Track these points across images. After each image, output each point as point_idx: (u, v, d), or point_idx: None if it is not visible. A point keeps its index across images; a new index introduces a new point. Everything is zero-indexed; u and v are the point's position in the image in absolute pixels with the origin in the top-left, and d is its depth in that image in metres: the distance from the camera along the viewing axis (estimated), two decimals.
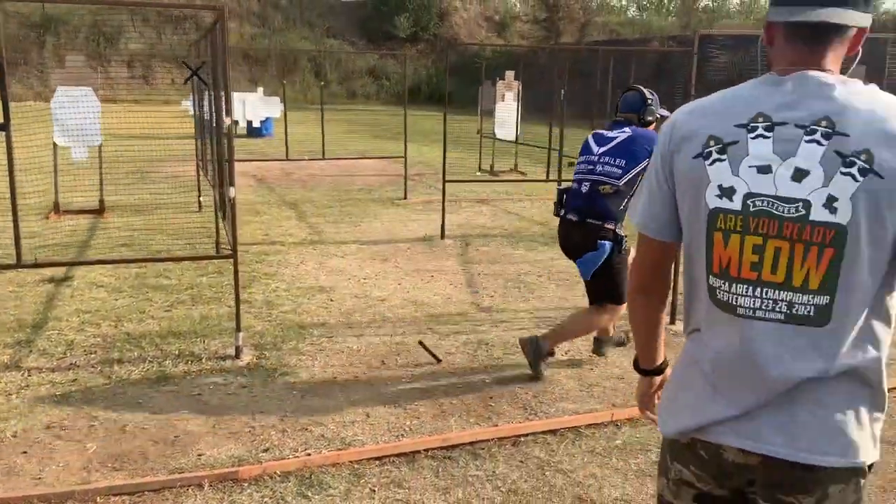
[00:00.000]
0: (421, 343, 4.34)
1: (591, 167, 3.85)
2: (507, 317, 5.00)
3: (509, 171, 12.08)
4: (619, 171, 3.75)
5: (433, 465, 3.03)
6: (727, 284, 1.36)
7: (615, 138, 3.85)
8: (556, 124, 9.37)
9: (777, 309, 1.32)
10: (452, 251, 6.89)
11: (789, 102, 1.33)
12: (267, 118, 16.90)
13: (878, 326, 1.33)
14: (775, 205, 1.31)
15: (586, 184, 3.83)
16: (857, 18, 1.33)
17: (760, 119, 1.34)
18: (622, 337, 4.37)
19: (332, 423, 3.37)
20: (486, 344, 4.45)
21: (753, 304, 1.34)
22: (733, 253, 1.35)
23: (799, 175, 1.29)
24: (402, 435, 3.28)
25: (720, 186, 1.35)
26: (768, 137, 1.32)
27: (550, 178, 8.79)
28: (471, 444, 3.19)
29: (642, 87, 4.01)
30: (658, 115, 3.94)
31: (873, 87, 1.34)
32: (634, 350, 1.71)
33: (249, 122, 16.89)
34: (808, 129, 1.30)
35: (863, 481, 1.36)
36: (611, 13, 42.14)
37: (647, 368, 1.69)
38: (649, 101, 3.91)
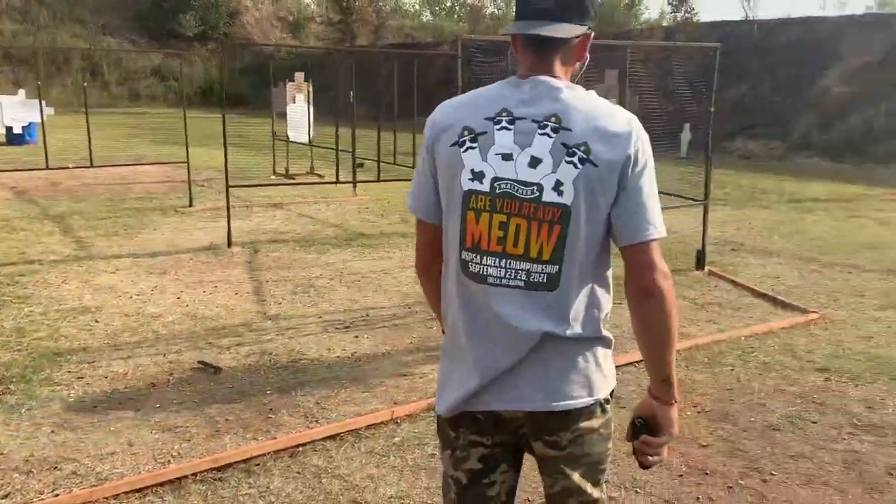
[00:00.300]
0: (200, 362, 4.08)
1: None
2: (294, 323, 4.86)
3: (305, 174, 11.85)
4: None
5: (202, 490, 2.84)
6: (479, 257, 1.55)
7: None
8: (345, 125, 9.34)
9: (518, 277, 1.53)
10: (240, 259, 6.59)
11: (527, 101, 1.53)
12: (30, 123, 15.15)
13: (599, 292, 1.58)
14: (516, 187, 1.51)
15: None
16: (576, 31, 1.53)
17: (504, 113, 1.53)
18: None
19: (86, 458, 3.04)
20: (270, 354, 4.28)
21: (500, 274, 1.54)
22: (483, 229, 1.53)
23: (534, 162, 1.50)
24: (169, 461, 3.04)
25: (472, 171, 1.53)
26: (510, 129, 1.52)
27: (342, 179, 8.71)
28: (245, 461, 3.03)
29: None
30: None
31: (592, 93, 1.56)
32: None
33: (9, 129, 15.06)
34: (541, 124, 1.51)
35: (608, 406, 1.63)
36: (405, 17, 43.04)
37: None
38: None
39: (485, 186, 1.52)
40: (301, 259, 6.63)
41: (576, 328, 1.55)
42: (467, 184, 1.54)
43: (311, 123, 11.88)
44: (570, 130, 1.49)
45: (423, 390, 3.81)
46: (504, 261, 1.53)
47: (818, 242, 7.54)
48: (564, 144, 1.49)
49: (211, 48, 35.02)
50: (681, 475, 3.01)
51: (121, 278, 5.78)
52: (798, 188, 11.57)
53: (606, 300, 1.60)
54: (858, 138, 14.64)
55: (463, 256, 1.56)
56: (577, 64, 1.61)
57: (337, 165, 8.87)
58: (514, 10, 1.60)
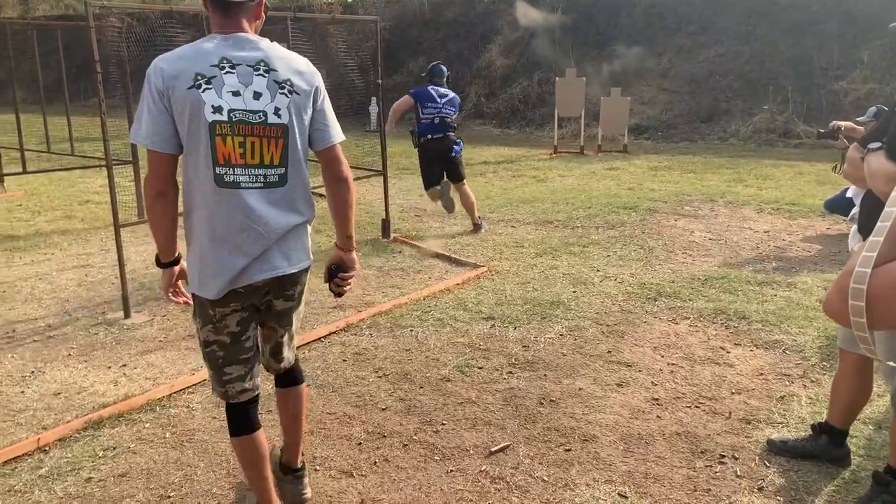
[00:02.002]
0: None
1: (438, 108, 6.65)
2: None
3: None
4: (453, 111, 6.79)
5: None
6: (231, 170, 2.08)
7: (447, 94, 6.78)
8: None
9: (259, 180, 2.13)
10: None
11: (239, 52, 2.08)
12: None
13: (307, 184, 2.28)
14: (247, 115, 2.08)
15: (437, 118, 6.65)
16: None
17: (226, 61, 2.06)
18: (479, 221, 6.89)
19: None
20: None
21: (248, 180, 2.11)
22: (230, 149, 2.07)
23: (257, 96, 2.09)
24: None
25: (212, 106, 2.03)
26: (233, 73, 2.07)
27: None
28: None
29: (443, 64, 7.17)
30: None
31: (276, 44, 2.17)
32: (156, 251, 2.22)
33: None
34: (255, 68, 2.10)
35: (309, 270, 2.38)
36: None
37: (169, 261, 2.24)
38: (448, 73, 7.02)
39: (224, 117, 2.05)
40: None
41: (302, 212, 2.25)
42: (210, 116, 2.03)
43: None
44: (276, 71, 2.12)
45: (81, 407, 3.36)
46: (248, 169, 2.10)
47: (488, 202, 8.27)
48: (276, 81, 2.11)
49: None
50: (360, 443, 3.05)
51: None
52: (473, 154, 12.60)
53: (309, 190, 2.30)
54: (519, 105, 16.41)
55: (217, 171, 2.07)
56: (257, 22, 2.19)
57: None
58: None
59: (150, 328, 4.39)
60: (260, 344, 2.41)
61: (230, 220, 2.10)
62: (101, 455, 2.94)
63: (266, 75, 2.09)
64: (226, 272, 2.12)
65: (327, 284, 2.46)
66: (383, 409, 3.34)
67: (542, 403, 3.39)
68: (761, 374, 3.68)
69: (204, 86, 2.01)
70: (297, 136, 2.16)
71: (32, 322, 4.50)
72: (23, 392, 3.54)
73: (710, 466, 2.85)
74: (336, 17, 7.16)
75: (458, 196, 6.85)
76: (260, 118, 2.08)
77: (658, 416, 3.26)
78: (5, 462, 2.86)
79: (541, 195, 8.64)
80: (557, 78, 12.73)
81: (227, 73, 2.04)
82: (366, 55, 9.79)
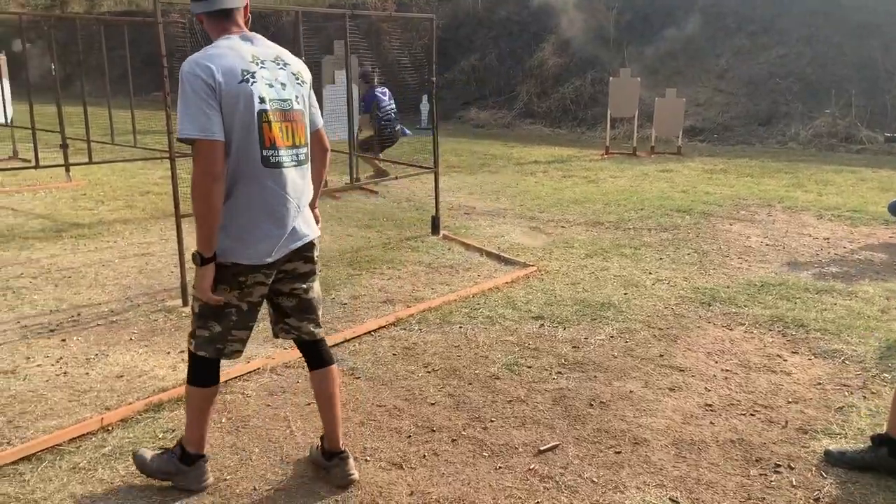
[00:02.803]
0: None
1: (391, 106, 9.00)
2: None
3: (8, 159, 10.29)
4: (395, 108, 9.10)
5: None
6: (276, 152, 2.39)
7: (387, 91, 9.03)
8: (45, 102, 8.23)
9: (294, 159, 2.47)
10: None
11: (261, 49, 2.43)
12: None
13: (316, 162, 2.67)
14: (281, 103, 2.41)
15: (393, 112, 9.01)
16: (244, 1, 2.46)
17: (256, 58, 2.38)
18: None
19: None
20: None
21: (289, 160, 2.44)
22: (275, 133, 2.38)
23: (283, 86, 2.43)
24: None
25: (259, 97, 2.33)
26: (265, 68, 2.39)
27: (42, 163, 7.66)
28: None
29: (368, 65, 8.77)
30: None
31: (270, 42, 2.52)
32: (197, 248, 2.33)
33: None
34: (275, 62, 2.44)
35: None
36: None
37: (211, 255, 2.35)
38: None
39: (266, 106, 2.35)
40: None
41: (313, 185, 2.62)
42: (259, 105, 2.33)
43: (8, 101, 10.32)
44: (289, 64, 2.49)
45: (142, 389, 3.48)
46: (289, 151, 2.43)
47: (538, 202, 8.24)
48: (292, 73, 2.48)
49: None
50: (409, 436, 3.08)
51: None
52: (523, 153, 12.57)
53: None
54: (571, 105, 16.28)
55: (264, 154, 2.35)
56: (247, 20, 2.50)
57: (35, 147, 7.76)
58: None
59: None
60: (280, 316, 2.66)
61: (275, 196, 2.39)
62: (160, 436, 3.04)
63: (285, 68, 2.44)
64: (270, 241, 2.40)
65: None
66: (432, 404, 3.37)
67: (592, 405, 3.37)
68: (819, 383, 3.59)
69: (251, 80, 2.31)
70: (308, 119, 2.53)
71: (96, 307, 4.67)
72: (87, 373, 3.67)
73: (765, 475, 2.80)
74: (392, 14, 7.22)
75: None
76: (288, 106, 2.42)
77: (711, 423, 3.21)
78: (71, 440, 2.98)
79: (592, 196, 8.57)
80: (611, 78, 12.58)
81: (261, 67, 2.36)
82: (419, 53, 9.86)
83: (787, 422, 3.20)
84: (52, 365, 3.76)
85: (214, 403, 2.69)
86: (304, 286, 2.63)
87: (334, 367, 2.74)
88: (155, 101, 19.14)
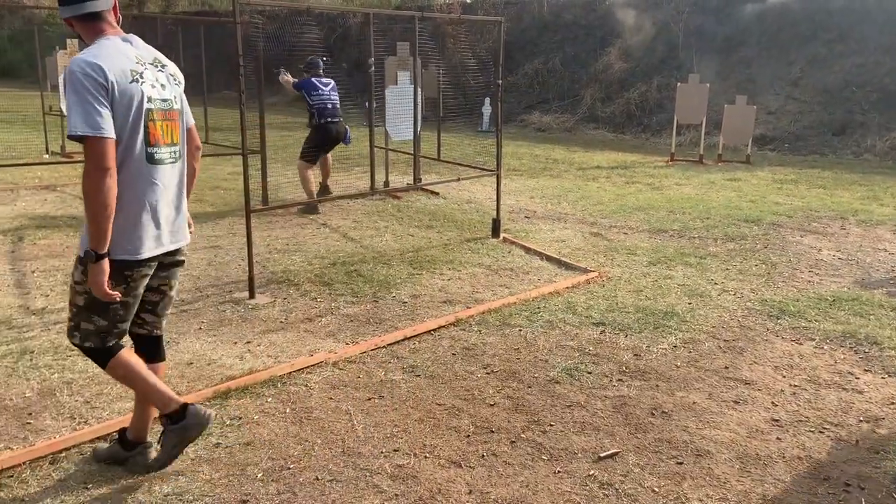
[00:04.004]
0: None
1: (327, 94, 7.51)
2: (64, 317, 4.37)
3: None
4: (338, 97, 7.63)
5: None
6: (158, 150, 2.51)
7: (330, 83, 7.61)
8: None
9: (173, 156, 2.59)
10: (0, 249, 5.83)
11: (141, 51, 2.52)
12: None
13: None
14: (163, 103, 2.53)
15: (329, 103, 7.50)
16: (109, 1, 2.47)
17: (142, 60, 2.49)
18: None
19: None
20: (32, 352, 3.83)
21: (169, 157, 2.57)
22: (158, 132, 2.50)
23: (163, 87, 2.55)
24: None
25: (147, 97, 2.45)
26: (147, 69, 2.49)
27: None
28: None
29: (316, 57, 7.79)
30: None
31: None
32: (90, 246, 2.33)
33: None
34: (154, 64, 2.55)
35: None
36: None
37: (105, 252, 2.36)
38: (322, 65, 7.77)
39: (152, 105, 2.47)
40: (76, 245, 5.99)
41: (188, 184, 2.74)
42: (146, 104, 2.44)
43: None
44: (166, 66, 2.61)
45: (210, 377, 3.60)
46: (167, 148, 2.54)
47: (600, 207, 8.15)
48: (171, 75, 2.61)
49: None
50: (468, 435, 3.10)
51: None
52: (585, 158, 12.45)
53: None
54: (636, 111, 16.04)
55: (149, 151, 2.46)
56: (118, 20, 2.54)
57: None
58: None
59: (272, 309, 4.63)
60: (138, 311, 2.68)
61: (158, 192, 2.50)
62: (228, 423, 3.14)
63: (163, 70, 2.56)
64: (152, 236, 2.51)
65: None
66: (491, 405, 3.38)
67: (654, 414, 3.32)
68: (893, 403, 3.45)
69: (139, 80, 2.41)
70: (184, 118, 2.65)
71: None
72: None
73: (834, 494, 2.71)
74: (461, 17, 7.26)
75: (322, 161, 7.89)
76: (169, 105, 2.54)
77: (778, 438, 3.12)
78: None
79: (655, 203, 8.43)
80: (679, 84, 12.35)
81: (146, 69, 2.47)
82: (483, 55, 9.82)
83: (858, 441, 3.09)
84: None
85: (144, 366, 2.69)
86: (172, 283, 2.74)
87: (164, 364, 2.89)
88: (223, 98, 19.71)
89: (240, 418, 3.18)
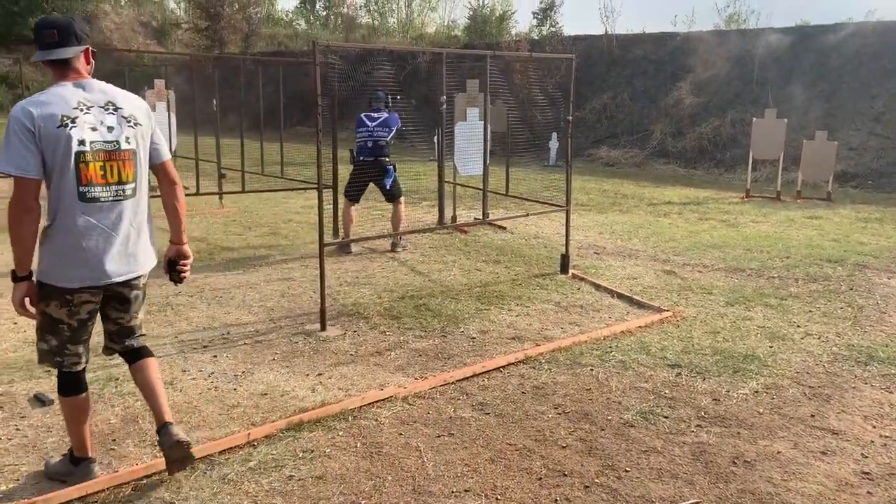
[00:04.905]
0: (35, 396, 3.72)
1: (370, 133, 7.27)
2: (149, 345, 4.53)
3: None
4: (386, 134, 7.29)
5: None
6: (93, 188, 2.65)
7: (379, 118, 7.34)
8: (209, 135, 8.96)
9: (119, 195, 2.71)
10: None
11: (90, 95, 2.67)
12: None
13: (147, 198, 2.87)
14: (105, 145, 2.66)
15: (370, 141, 7.27)
16: (76, 50, 2.67)
17: (83, 104, 2.64)
18: (400, 241, 7.51)
19: None
20: (117, 379, 3.97)
21: (108, 195, 2.68)
22: (93, 172, 2.63)
23: (111, 129, 2.69)
24: None
25: (78, 140, 2.59)
26: (89, 113, 2.64)
27: (203, 191, 8.31)
28: (79, 499, 2.78)
29: (383, 91, 7.61)
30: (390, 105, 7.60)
31: (111, 85, 2.77)
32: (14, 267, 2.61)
33: None
34: (105, 107, 2.70)
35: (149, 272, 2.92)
36: (278, 25, 42.01)
37: (25, 274, 2.64)
38: (388, 98, 7.59)
39: (87, 147, 2.61)
40: (158, 277, 6.23)
41: (148, 218, 2.85)
42: (77, 147, 2.58)
43: (174, 133, 11.30)
44: (122, 108, 2.73)
45: (284, 408, 3.65)
46: (109, 187, 2.67)
47: (672, 244, 7.98)
48: (123, 117, 2.72)
49: None
50: (540, 478, 3.03)
51: None
52: (656, 193, 12.25)
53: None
54: (708, 145, 15.72)
55: (80, 190, 2.61)
56: (89, 66, 2.75)
57: (197, 176, 8.45)
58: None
59: (342, 342, 4.69)
60: (105, 335, 2.94)
61: (91, 227, 2.64)
62: (300, 456, 3.17)
63: (115, 113, 2.69)
64: (84, 267, 2.65)
65: (168, 274, 3.06)
66: (563, 447, 3.31)
67: (736, 463, 3.18)
68: None
69: (70, 125, 2.56)
70: (142, 157, 2.77)
71: (243, 326, 4.98)
72: (235, 389, 3.91)
73: None
74: (533, 55, 7.33)
75: (392, 211, 7.68)
76: (114, 146, 2.67)
77: (869, 492, 2.94)
78: (221, 451, 3.17)
79: (731, 240, 8.19)
80: (755, 119, 12.06)
81: (85, 113, 2.61)
82: (551, 91, 9.82)
83: None
84: (205, 379, 4.03)
85: (90, 414, 2.95)
86: (127, 315, 2.90)
87: (152, 358, 3.02)
88: (297, 134, 20.34)
89: (312, 451, 3.21)
